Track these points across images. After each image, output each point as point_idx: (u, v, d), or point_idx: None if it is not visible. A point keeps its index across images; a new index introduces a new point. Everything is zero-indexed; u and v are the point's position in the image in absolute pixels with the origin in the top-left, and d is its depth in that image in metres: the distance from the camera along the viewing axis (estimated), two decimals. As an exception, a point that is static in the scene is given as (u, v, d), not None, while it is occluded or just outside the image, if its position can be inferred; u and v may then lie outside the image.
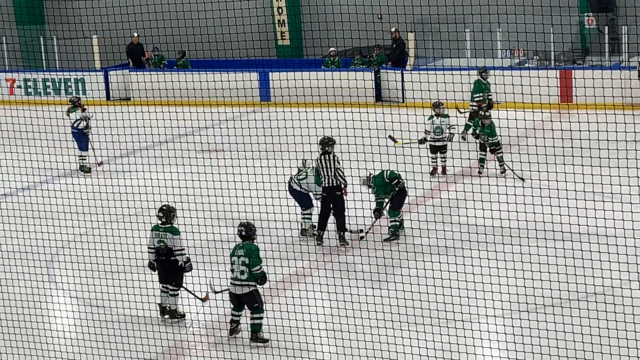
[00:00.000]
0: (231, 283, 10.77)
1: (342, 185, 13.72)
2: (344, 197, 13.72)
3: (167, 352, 10.62)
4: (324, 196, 13.75)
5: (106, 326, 11.05)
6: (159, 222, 11.43)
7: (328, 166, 13.67)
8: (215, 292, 11.08)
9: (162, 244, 11.29)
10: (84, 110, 19.23)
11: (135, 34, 27.40)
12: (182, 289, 11.44)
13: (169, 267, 11.32)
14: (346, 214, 13.72)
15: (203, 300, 11.31)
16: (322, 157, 13.75)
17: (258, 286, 10.73)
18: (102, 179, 18.36)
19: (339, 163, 13.69)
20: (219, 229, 12.77)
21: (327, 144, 13.77)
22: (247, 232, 10.92)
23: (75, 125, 18.88)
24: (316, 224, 14.06)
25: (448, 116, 17.49)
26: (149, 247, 11.47)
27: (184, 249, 11.36)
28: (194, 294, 11.40)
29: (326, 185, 13.70)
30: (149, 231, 11.80)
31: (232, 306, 10.90)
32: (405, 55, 26.76)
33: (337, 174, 13.67)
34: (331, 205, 13.77)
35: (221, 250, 12.23)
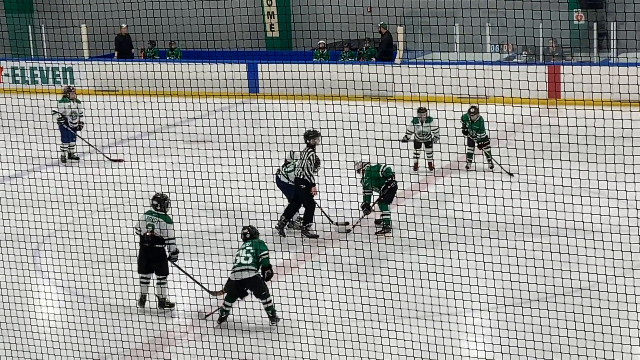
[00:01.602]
0: (233, 272, 10.81)
1: (310, 181, 13.77)
2: (311, 193, 13.75)
3: (152, 342, 10.61)
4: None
5: (91, 315, 11.04)
6: (153, 209, 11.43)
7: (302, 158, 13.76)
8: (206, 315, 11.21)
9: (149, 228, 11.25)
10: (75, 101, 19.13)
11: (124, 25, 27.34)
12: (193, 281, 11.45)
13: (154, 255, 11.31)
14: (326, 202, 13.72)
15: (214, 294, 11.30)
16: (305, 150, 13.85)
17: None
18: (89, 168, 18.30)
19: (309, 160, 13.71)
20: (205, 220, 12.78)
21: (307, 136, 13.83)
22: (252, 232, 11.08)
23: (51, 114, 18.75)
24: (302, 217, 14.07)
25: (432, 119, 17.21)
26: (135, 229, 11.44)
27: (174, 239, 11.37)
28: (204, 287, 11.37)
29: (296, 175, 13.82)
30: (135, 221, 11.78)
31: (225, 296, 10.93)
32: (392, 48, 26.74)
33: (305, 168, 13.70)
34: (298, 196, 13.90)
35: (207, 241, 12.23)
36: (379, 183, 13.89)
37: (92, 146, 18.93)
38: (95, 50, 28.05)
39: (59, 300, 12.15)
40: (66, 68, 27.81)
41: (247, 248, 10.86)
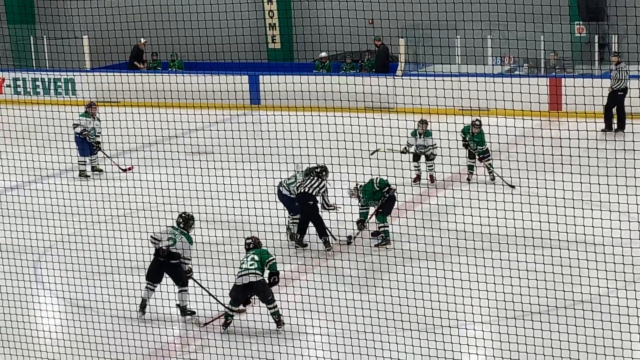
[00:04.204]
0: (239, 276, 10.94)
1: (326, 206, 13.82)
2: (317, 206, 13.73)
3: (154, 354, 10.60)
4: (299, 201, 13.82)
5: (92, 326, 11.03)
6: (177, 225, 11.63)
7: (313, 185, 13.68)
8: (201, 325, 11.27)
9: (170, 242, 11.39)
10: (95, 117, 18.88)
11: (143, 40, 27.50)
12: (209, 294, 11.52)
13: (169, 269, 11.47)
14: (328, 219, 13.73)
15: (234, 312, 11.36)
16: (314, 177, 13.75)
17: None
18: (90, 179, 18.32)
19: (327, 192, 13.71)
20: (207, 231, 12.77)
21: (320, 172, 13.82)
22: (255, 242, 11.35)
23: (72, 127, 18.54)
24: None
25: (431, 134, 17.08)
26: (153, 238, 11.49)
27: (190, 260, 11.52)
28: (220, 302, 11.37)
29: (301, 191, 13.74)
30: (137, 232, 11.79)
31: (229, 301, 11.04)
32: (389, 60, 26.77)
33: (320, 194, 13.69)
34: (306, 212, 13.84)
35: (209, 253, 12.21)
36: (377, 196, 13.88)
37: (109, 157, 18.76)
38: (97, 62, 28.08)
39: (59, 311, 12.14)
40: (68, 79, 27.84)
41: (252, 255, 11.04)
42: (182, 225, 11.62)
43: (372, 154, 15.03)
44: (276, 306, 11.00)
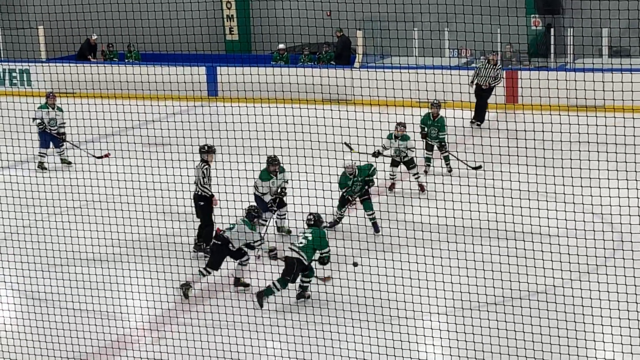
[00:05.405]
0: (289, 248, 11.44)
1: (208, 196, 13.38)
2: (212, 208, 13.40)
3: (110, 347, 10.55)
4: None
5: (48, 319, 10.95)
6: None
7: (196, 173, 13.39)
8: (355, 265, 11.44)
9: (229, 226, 11.84)
10: (54, 108, 18.62)
11: (94, 36, 27.37)
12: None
13: (224, 250, 11.84)
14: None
15: (323, 280, 11.64)
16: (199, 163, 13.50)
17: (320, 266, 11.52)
18: (46, 171, 18.17)
19: (203, 174, 13.40)
20: (164, 223, 12.73)
21: (200, 151, 13.48)
22: (315, 219, 11.69)
23: (32, 119, 18.29)
24: (281, 227, 14.11)
25: (408, 138, 16.22)
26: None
27: (258, 241, 11.87)
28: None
29: (194, 192, 13.46)
30: (92, 224, 11.73)
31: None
32: (349, 52, 26.81)
33: (199, 183, 13.44)
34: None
35: (166, 245, 12.20)
36: (366, 183, 14.06)
37: (77, 147, 18.52)
38: (52, 52, 27.85)
39: (14, 303, 12.05)
40: (23, 70, 27.58)
41: (306, 234, 11.47)
42: (245, 216, 11.94)
43: (346, 145, 14.97)
44: (309, 282, 11.43)
